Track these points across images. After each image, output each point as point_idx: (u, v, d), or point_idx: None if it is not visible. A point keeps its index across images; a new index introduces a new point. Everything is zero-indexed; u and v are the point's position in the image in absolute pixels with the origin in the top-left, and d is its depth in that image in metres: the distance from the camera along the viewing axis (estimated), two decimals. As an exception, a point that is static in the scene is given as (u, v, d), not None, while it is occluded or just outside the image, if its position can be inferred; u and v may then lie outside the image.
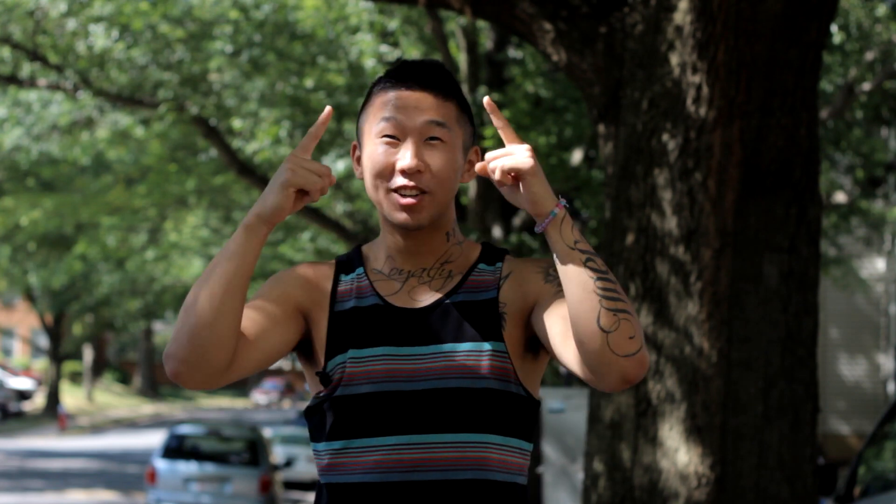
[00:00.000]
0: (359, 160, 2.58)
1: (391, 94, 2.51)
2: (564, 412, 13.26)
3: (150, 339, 57.46)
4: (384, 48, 14.72)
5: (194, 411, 52.16)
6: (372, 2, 13.55)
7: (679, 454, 5.90)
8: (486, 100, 2.42)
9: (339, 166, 15.11)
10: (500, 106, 14.56)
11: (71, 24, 14.78)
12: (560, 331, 2.41)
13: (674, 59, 5.99)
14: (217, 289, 2.37)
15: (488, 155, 2.41)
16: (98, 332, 50.19)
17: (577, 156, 15.17)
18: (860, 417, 24.49)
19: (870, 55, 14.64)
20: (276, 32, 15.09)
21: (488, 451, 2.46)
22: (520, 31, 6.71)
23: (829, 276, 20.88)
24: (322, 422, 2.51)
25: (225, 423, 22.98)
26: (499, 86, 15.16)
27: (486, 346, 2.46)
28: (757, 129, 5.98)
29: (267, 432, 22.77)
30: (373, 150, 2.50)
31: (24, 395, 45.27)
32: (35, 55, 15.30)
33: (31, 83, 16.11)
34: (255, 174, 17.24)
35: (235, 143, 17.23)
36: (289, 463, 23.07)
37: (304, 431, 23.63)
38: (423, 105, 2.50)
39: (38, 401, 46.98)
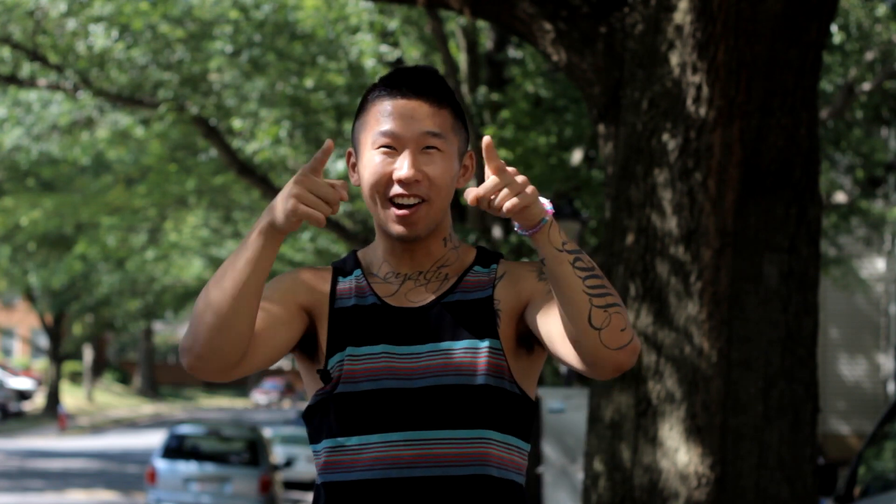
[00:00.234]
0: (354, 167, 2.60)
1: (387, 104, 2.53)
2: (564, 412, 13.25)
3: (150, 339, 57.44)
4: (384, 48, 14.71)
5: (194, 411, 52.15)
6: (372, 2, 13.54)
7: (679, 454, 5.90)
8: (485, 140, 2.35)
9: (338, 166, 15.11)
10: (499, 106, 14.57)
11: (71, 24, 14.78)
12: (555, 328, 2.45)
13: (674, 59, 5.99)
14: (234, 291, 2.39)
15: (486, 189, 2.34)
16: (98, 332, 50.18)
17: (577, 156, 15.17)
18: (860, 417, 24.49)
19: (870, 55, 14.64)
20: (276, 32, 15.09)
21: (487, 447, 2.49)
22: (520, 31, 6.71)
23: (829, 276, 20.88)
24: (322, 421, 2.54)
25: (225, 423, 22.98)
26: (499, 86, 15.16)
27: (483, 343, 2.50)
28: (757, 129, 5.98)
29: (267, 432, 22.77)
30: (369, 160, 2.53)
31: (24, 395, 45.27)
32: (35, 55, 15.30)
33: (31, 83, 16.10)
34: (255, 174, 17.25)
35: (235, 143, 17.23)
36: (289, 463, 23.07)
37: (304, 431, 23.61)
38: (419, 114, 2.52)
39: (38, 401, 46.98)
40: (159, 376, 63.37)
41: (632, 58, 6.22)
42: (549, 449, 13.35)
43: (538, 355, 2.58)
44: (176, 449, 17.93)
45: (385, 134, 2.51)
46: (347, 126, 16.27)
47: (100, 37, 14.68)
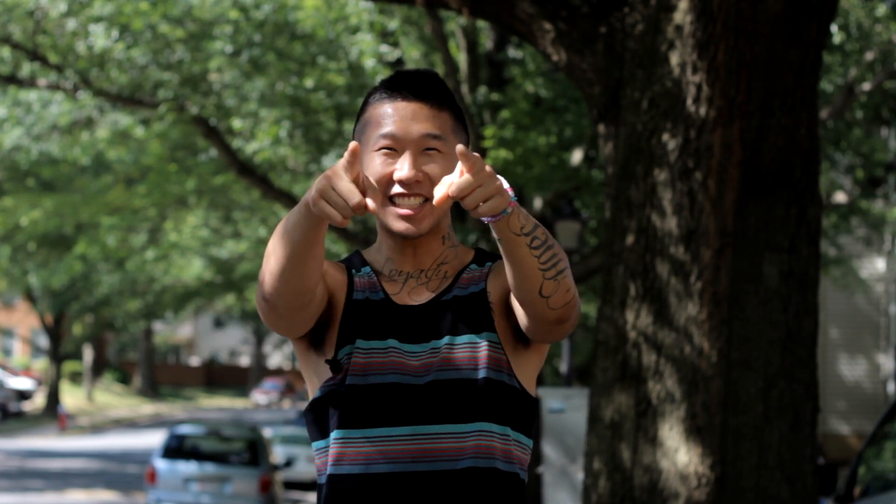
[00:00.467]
0: None
1: (387, 107, 2.57)
2: (564, 412, 13.26)
3: (150, 339, 57.45)
4: (384, 48, 14.72)
5: (194, 411, 52.16)
6: (372, 2, 13.55)
7: (679, 454, 5.90)
8: (459, 148, 2.30)
9: (339, 166, 15.09)
10: (499, 106, 14.57)
11: (71, 24, 14.78)
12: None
13: (674, 59, 5.99)
14: (295, 258, 2.41)
15: (457, 184, 2.30)
16: (98, 332, 50.17)
17: (577, 156, 15.17)
18: (860, 417, 24.50)
19: (870, 55, 14.64)
20: (276, 32, 15.09)
21: (491, 440, 2.53)
22: (520, 31, 6.71)
23: (829, 276, 20.89)
24: (325, 415, 2.58)
25: (225, 423, 22.98)
26: (499, 86, 15.16)
27: (482, 337, 2.57)
28: (757, 129, 5.98)
29: (267, 432, 22.77)
30: (370, 161, 2.57)
31: (24, 395, 45.29)
32: (35, 55, 15.29)
33: (31, 83, 16.10)
34: (255, 174, 17.23)
35: (235, 143, 17.22)
36: (289, 463, 23.07)
37: (304, 431, 23.62)
38: (419, 117, 2.56)
39: (38, 401, 46.99)
40: (159, 376, 63.38)
41: (632, 58, 6.22)
42: (549, 449, 13.36)
43: (536, 350, 2.62)
44: (176, 449, 17.93)
45: (386, 136, 2.55)
46: (347, 126, 16.27)
47: (100, 37, 14.67)
